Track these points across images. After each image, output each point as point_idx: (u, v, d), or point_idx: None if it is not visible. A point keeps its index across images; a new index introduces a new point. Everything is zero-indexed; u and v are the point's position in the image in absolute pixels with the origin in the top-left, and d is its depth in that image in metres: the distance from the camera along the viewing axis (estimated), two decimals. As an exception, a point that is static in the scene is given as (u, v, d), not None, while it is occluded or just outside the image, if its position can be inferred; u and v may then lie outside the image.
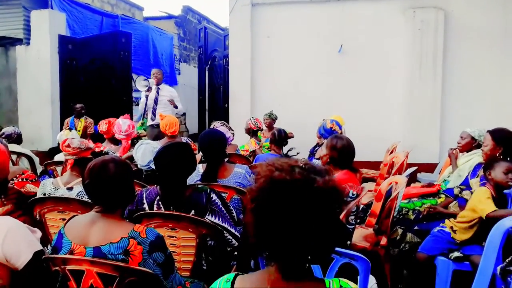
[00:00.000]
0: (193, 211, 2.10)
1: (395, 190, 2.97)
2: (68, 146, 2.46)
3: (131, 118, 4.98)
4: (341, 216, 1.08)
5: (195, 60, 12.89)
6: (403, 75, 5.91)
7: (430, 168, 5.41)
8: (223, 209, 2.17)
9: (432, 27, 5.73)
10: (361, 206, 3.25)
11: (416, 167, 4.08)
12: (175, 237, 2.03)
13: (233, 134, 4.53)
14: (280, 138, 4.08)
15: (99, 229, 1.56)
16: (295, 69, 6.31)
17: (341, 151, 2.67)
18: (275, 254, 1.02)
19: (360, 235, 3.00)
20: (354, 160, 2.79)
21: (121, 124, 3.99)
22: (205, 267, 2.11)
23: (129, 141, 3.98)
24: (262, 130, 5.39)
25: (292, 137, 5.14)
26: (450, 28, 5.75)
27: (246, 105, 6.39)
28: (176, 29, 13.02)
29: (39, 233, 1.68)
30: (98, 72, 7.73)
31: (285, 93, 6.33)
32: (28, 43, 7.46)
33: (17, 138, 4.55)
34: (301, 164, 1.04)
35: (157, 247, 1.53)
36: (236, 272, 1.10)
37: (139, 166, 3.29)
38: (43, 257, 1.53)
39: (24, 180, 2.70)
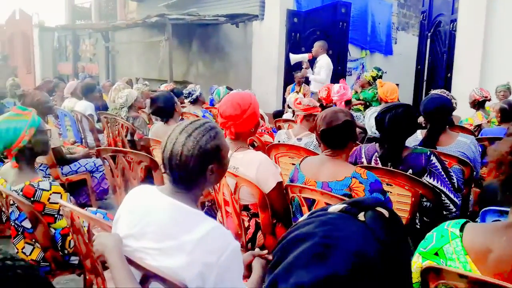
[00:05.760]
0: (410, 171, 2.15)
1: None
2: (300, 103, 2.86)
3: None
4: None
5: (414, 28, 12.05)
6: None
7: None
8: (442, 173, 2.13)
9: None
10: None
11: None
12: (390, 192, 2.13)
13: (456, 103, 4.17)
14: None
15: (328, 168, 1.85)
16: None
17: None
18: None
19: None
20: None
21: (334, 86, 4.27)
22: (418, 226, 2.15)
23: (343, 103, 4.16)
24: (489, 100, 4.74)
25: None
26: None
27: (474, 74, 5.69)
28: (397, -5, 12.37)
29: (279, 169, 2.08)
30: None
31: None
32: (263, 19, 8.57)
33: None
34: None
35: (377, 189, 1.71)
36: (467, 219, 1.11)
37: (369, 133, 3.48)
38: (284, 185, 1.91)
39: (263, 131, 3.29)
